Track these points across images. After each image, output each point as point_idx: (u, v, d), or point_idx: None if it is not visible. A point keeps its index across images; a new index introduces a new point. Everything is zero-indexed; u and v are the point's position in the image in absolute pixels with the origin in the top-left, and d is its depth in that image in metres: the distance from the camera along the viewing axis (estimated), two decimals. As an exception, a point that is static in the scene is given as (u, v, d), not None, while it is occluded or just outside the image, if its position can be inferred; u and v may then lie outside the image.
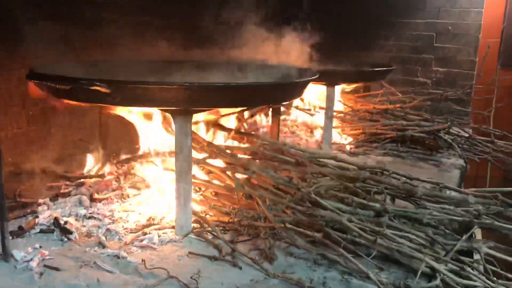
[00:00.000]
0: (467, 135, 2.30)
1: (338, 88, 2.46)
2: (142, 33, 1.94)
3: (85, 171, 1.63)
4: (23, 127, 1.74)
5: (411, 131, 2.25)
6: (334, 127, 2.35)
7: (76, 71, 1.32)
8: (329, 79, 2.19)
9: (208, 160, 1.39)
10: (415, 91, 2.89)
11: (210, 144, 1.40)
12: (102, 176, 1.55)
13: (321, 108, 2.49)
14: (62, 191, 1.46)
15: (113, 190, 1.43)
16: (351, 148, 2.28)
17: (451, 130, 2.24)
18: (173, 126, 1.20)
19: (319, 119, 2.49)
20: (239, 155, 1.37)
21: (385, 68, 2.27)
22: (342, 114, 2.46)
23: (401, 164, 2.06)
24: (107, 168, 1.57)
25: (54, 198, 1.42)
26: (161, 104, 1.14)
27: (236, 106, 1.47)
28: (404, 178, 1.33)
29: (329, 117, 2.24)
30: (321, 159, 1.42)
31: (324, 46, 2.93)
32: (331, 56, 2.99)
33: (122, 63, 1.66)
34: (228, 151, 1.37)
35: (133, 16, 1.96)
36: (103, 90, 1.04)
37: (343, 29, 3.06)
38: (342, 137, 2.43)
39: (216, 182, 1.35)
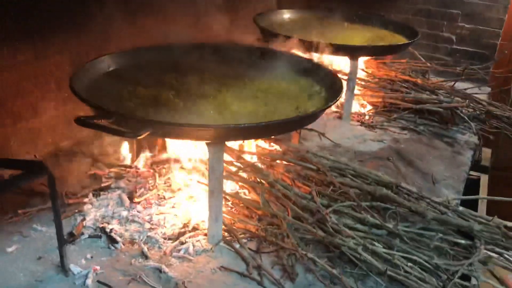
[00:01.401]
0: (484, 103, 2.35)
1: (362, 60, 2.47)
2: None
3: (121, 158, 1.76)
4: (60, 109, 1.85)
5: (430, 105, 2.31)
6: (355, 95, 2.40)
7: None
8: (352, 53, 2.20)
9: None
10: (438, 49, 2.88)
11: (240, 158, 1.51)
12: (137, 168, 1.67)
13: (343, 74, 2.51)
14: (103, 184, 1.61)
15: (150, 190, 1.56)
16: (369, 119, 2.35)
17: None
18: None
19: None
20: (266, 172, 1.47)
21: (409, 41, 2.26)
22: (363, 82, 2.49)
23: (417, 143, 2.15)
24: (142, 160, 1.69)
25: (96, 193, 1.57)
26: (197, 139, 1.23)
27: (266, 137, 1.54)
28: (415, 193, 1.45)
29: (350, 88, 2.28)
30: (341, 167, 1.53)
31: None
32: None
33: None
34: (255, 161, 1.48)
35: None
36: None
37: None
38: (361, 104, 2.49)
39: (244, 195, 1.48)
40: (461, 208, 1.46)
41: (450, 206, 1.41)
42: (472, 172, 2.44)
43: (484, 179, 2.65)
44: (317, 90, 1.57)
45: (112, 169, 1.69)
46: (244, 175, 1.50)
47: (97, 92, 1.39)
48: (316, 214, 1.35)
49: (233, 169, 1.52)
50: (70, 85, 1.29)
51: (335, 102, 1.38)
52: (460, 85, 2.60)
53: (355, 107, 2.46)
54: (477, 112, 2.31)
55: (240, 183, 1.50)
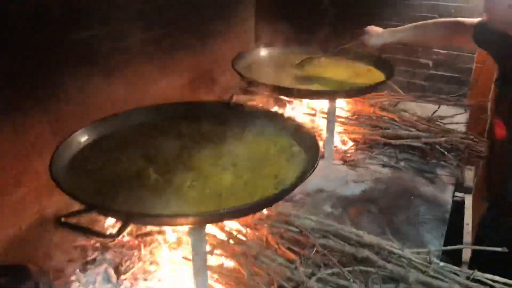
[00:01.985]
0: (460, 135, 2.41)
1: (340, 101, 2.51)
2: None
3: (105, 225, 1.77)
4: (43, 177, 1.86)
5: (409, 141, 2.35)
6: (336, 133, 2.43)
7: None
8: (330, 96, 2.24)
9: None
10: (416, 74, 2.94)
11: (223, 229, 1.53)
12: (122, 237, 1.69)
13: (323, 112, 2.55)
14: (89, 257, 1.62)
15: (136, 262, 1.57)
16: (351, 157, 2.38)
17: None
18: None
19: (321, 121, 2.57)
20: (249, 243, 1.50)
21: (385, 80, 2.30)
22: (343, 119, 2.53)
23: (398, 182, 2.19)
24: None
25: (83, 269, 1.58)
26: (178, 225, 1.25)
27: (248, 215, 1.57)
28: (398, 252, 1.48)
29: (330, 129, 2.31)
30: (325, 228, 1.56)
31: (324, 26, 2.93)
32: (333, 32, 2.99)
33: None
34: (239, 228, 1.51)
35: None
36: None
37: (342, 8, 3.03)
38: (343, 141, 2.52)
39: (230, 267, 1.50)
40: (441, 263, 1.49)
41: (429, 265, 1.45)
42: (456, 194, 2.49)
43: (468, 200, 2.71)
44: (295, 151, 1.60)
45: (98, 239, 1.70)
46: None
47: (77, 175, 1.41)
48: (300, 284, 1.38)
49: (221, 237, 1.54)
50: (51, 176, 1.30)
51: (313, 171, 1.41)
52: (440, 110, 2.66)
53: (338, 143, 2.49)
54: (454, 144, 2.35)
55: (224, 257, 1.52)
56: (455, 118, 2.64)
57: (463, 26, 1.94)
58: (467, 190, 2.57)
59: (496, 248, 1.57)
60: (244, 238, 1.53)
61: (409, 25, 2.19)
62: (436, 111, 2.61)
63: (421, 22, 2.14)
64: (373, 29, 2.28)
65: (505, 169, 1.64)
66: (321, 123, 2.57)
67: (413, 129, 2.41)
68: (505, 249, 1.54)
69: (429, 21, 2.14)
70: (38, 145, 1.80)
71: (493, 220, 1.85)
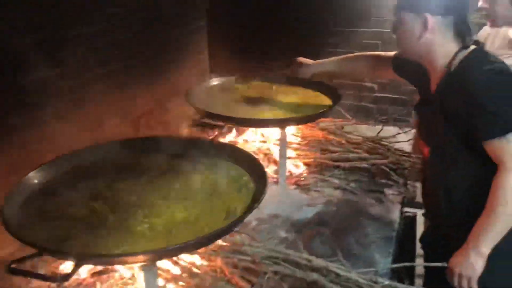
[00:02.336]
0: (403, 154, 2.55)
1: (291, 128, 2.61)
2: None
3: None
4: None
5: (358, 163, 2.47)
6: (288, 158, 2.53)
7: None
8: (281, 124, 2.33)
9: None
10: (363, 97, 3.09)
11: (177, 263, 1.58)
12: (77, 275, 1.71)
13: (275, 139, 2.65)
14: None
15: (93, 300, 1.60)
16: (304, 181, 2.47)
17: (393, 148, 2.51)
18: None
19: (274, 148, 2.67)
20: (202, 275, 1.55)
21: (333, 107, 2.41)
22: (295, 145, 2.63)
23: (349, 204, 2.29)
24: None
25: (39, 311, 1.59)
26: (129, 263, 1.30)
27: (200, 248, 1.62)
28: (345, 274, 1.57)
29: (283, 155, 2.41)
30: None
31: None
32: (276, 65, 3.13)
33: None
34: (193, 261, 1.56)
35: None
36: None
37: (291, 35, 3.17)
38: (296, 165, 2.62)
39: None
40: (386, 282, 1.59)
41: (375, 284, 1.54)
42: (408, 209, 2.62)
43: (420, 215, 2.84)
44: (245, 181, 1.67)
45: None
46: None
47: (28, 219, 1.43)
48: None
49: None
50: (2, 220, 1.32)
51: (260, 202, 1.48)
52: (385, 131, 2.80)
53: (291, 168, 2.59)
54: (400, 163, 2.49)
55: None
56: (400, 137, 2.78)
57: (382, 60, 2.08)
58: (418, 205, 2.69)
59: (437, 264, 1.68)
60: (197, 271, 1.58)
61: (337, 57, 2.33)
62: (379, 132, 2.74)
63: (347, 55, 2.28)
64: (303, 60, 2.40)
65: (434, 182, 1.76)
66: (274, 149, 2.66)
67: (360, 151, 2.53)
68: (445, 264, 1.64)
69: (353, 54, 2.28)
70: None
71: (431, 235, 1.97)
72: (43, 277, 1.15)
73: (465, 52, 1.58)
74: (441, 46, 1.59)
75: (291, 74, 2.44)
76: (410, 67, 1.82)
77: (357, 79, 3.16)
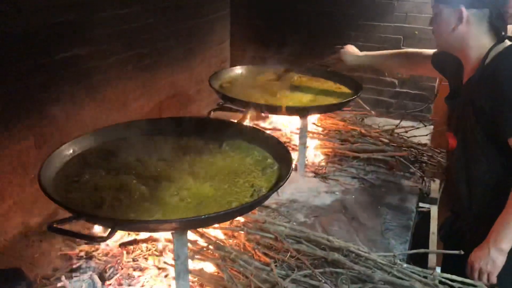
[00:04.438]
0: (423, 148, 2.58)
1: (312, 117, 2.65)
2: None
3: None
4: (27, 190, 1.92)
5: (375, 154, 2.51)
6: (307, 147, 2.57)
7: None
8: (301, 113, 2.37)
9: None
10: (383, 92, 3.13)
11: (203, 236, 1.63)
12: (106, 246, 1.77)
13: (296, 128, 2.69)
14: (74, 265, 1.69)
15: (120, 269, 1.65)
16: (322, 170, 2.51)
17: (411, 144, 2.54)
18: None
19: (294, 136, 2.71)
20: (228, 248, 1.60)
21: (354, 97, 2.45)
22: (314, 135, 2.67)
23: (366, 193, 2.33)
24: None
25: (68, 276, 1.65)
26: (162, 231, 1.35)
27: (227, 221, 1.67)
28: (363, 255, 1.61)
29: (302, 143, 2.45)
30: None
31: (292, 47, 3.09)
32: (299, 55, 3.17)
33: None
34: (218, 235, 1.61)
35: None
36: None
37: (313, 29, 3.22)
38: (315, 155, 2.66)
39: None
40: (405, 265, 1.63)
41: (394, 266, 1.57)
42: (423, 204, 2.65)
43: (434, 210, 2.86)
44: (270, 163, 1.72)
45: (81, 248, 1.78)
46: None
47: (64, 186, 1.50)
48: (276, 285, 1.49)
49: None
50: (40, 186, 1.38)
51: (286, 181, 1.53)
52: (404, 125, 2.82)
53: (310, 157, 2.63)
54: (418, 156, 2.52)
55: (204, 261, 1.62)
56: (418, 131, 2.81)
57: (423, 57, 2.13)
58: (432, 201, 2.72)
59: (454, 252, 1.71)
60: (222, 244, 1.63)
61: (383, 52, 2.38)
62: (398, 125, 2.77)
63: (393, 52, 2.35)
64: (351, 48, 2.45)
65: (456, 175, 1.80)
66: (294, 138, 2.70)
67: (379, 143, 2.56)
68: (462, 252, 1.68)
69: (397, 51, 2.36)
70: (23, 159, 1.87)
71: (452, 225, 2.00)
72: (81, 236, 1.20)
73: (500, 47, 1.61)
74: (475, 39, 1.63)
75: (337, 59, 2.49)
76: (447, 61, 1.87)
77: (391, 74, 3.20)
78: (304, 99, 2.48)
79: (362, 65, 2.53)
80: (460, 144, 1.75)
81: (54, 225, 1.20)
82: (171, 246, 1.66)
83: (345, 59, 2.45)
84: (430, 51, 2.09)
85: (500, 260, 1.59)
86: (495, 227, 1.60)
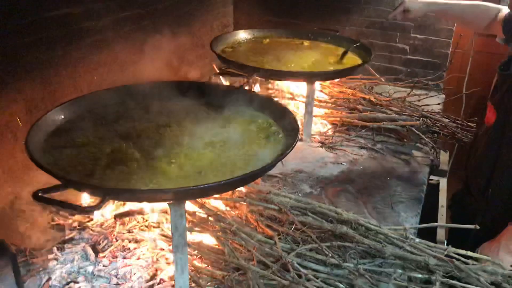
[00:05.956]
0: (436, 116, 2.45)
1: (318, 84, 2.52)
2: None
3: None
4: (18, 157, 1.82)
5: (385, 123, 2.38)
6: (314, 116, 2.45)
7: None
8: (309, 78, 2.24)
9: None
10: (393, 59, 2.98)
11: (203, 207, 1.53)
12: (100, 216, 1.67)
13: (301, 96, 2.57)
14: (67, 236, 1.60)
15: (114, 241, 1.56)
16: (329, 140, 2.40)
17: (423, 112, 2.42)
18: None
19: (300, 105, 2.59)
20: (229, 220, 1.50)
21: (364, 63, 2.31)
22: (321, 103, 2.54)
23: (375, 163, 2.22)
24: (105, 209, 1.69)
25: (60, 247, 1.56)
26: (157, 201, 1.25)
27: (227, 191, 1.57)
28: (376, 229, 1.51)
29: (308, 111, 2.33)
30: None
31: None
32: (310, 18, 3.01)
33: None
34: (218, 206, 1.51)
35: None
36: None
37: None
38: (322, 123, 2.54)
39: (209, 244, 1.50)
40: (417, 240, 1.53)
41: (406, 240, 1.48)
42: (432, 177, 2.54)
43: (443, 183, 2.76)
44: (274, 131, 1.60)
45: (75, 218, 1.69)
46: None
47: (53, 152, 1.39)
48: (279, 259, 1.39)
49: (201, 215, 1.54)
50: (27, 151, 1.27)
51: (291, 149, 1.42)
52: (416, 93, 2.69)
53: (316, 126, 2.51)
54: (430, 126, 2.39)
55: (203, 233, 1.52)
56: (429, 100, 2.68)
57: (495, 14, 1.90)
58: (442, 173, 2.62)
59: (469, 226, 1.61)
60: (223, 216, 1.53)
61: (455, 1, 2.08)
62: (409, 93, 2.64)
63: (466, 2, 2.04)
64: None
65: (484, 152, 1.68)
66: (299, 106, 2.58)
67: (389, 112, 2.44)
68: (477, 227, 1.58)
69: (476, 2, 2.03)
70: (13, 124, 1.76)
71: (462, 199, 1.90)
72: (68, 206, 1.09)
73: None
74: None
75: (402, 8, 2.22)
76: None
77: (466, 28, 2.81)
78: (311, 63, 2.35)
79: (431, 12, 2.22)
80: (500, 120, 1.63)
81: (40, 194, 1.10)
82: (169, 217, 1.57)
83: (412, 8, 2.17)
84: (503, 12, 1.87)
85: (508, 261, 1.54)
86: (508, 228, 1.57)
